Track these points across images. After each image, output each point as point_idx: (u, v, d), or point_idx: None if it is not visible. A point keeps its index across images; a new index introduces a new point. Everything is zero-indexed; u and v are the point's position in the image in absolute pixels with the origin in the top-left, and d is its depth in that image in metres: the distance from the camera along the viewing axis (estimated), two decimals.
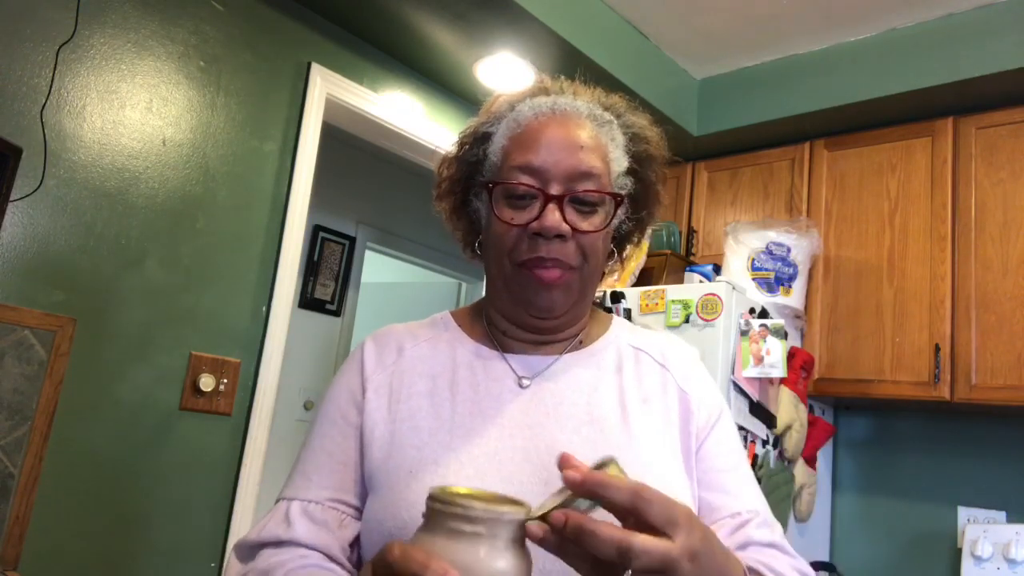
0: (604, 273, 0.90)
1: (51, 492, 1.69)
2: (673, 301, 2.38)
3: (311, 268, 3.62)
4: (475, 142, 0.87)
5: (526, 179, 0.78)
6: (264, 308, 2.12)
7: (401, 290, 4.45)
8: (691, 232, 2.96)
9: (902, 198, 2.51)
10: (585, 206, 0.79)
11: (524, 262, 0.78)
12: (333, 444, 0.83)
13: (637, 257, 2.58)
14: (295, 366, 3.41)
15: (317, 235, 3.64)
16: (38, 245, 1.71)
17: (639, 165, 0.87)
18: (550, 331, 0.85)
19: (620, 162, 0.84)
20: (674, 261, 2.71)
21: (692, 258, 2.90)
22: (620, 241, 0.91)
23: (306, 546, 0.76)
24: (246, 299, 2.08)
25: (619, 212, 0.84)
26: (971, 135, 2.42)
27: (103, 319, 1.80)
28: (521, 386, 0.82)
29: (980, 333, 2.27)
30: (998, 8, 2.31)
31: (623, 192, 0.84)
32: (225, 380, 2.00)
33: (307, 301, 3.60)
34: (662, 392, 0.85)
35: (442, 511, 0.50)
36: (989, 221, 2.33)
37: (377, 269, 4.40)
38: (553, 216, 0.77)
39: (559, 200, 0.77)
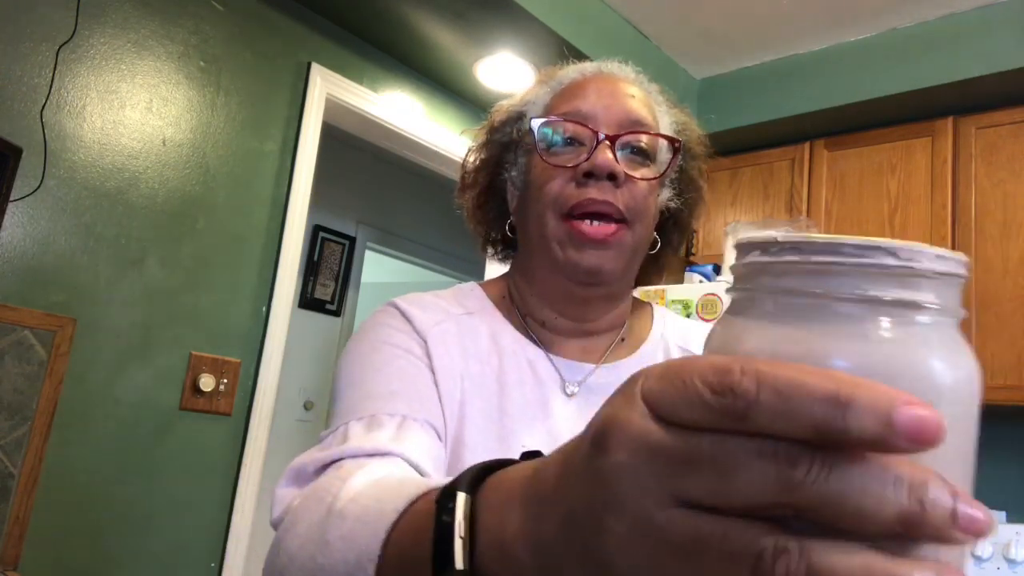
0: (653, 273, 0.83)
1: (51, 492, 1.69)
2: (673, 301, 2.38)
3: (311, 268, 3.62)
4: (508, 121, 0.81)
5: (574, 121, 0.72)
6: (264, 308, 2.12)
7: (401, 290, 4.38)
8: (691, 232, 2.96)
9: (902, 198, 2.51)
10: (637, 155, 0.73)
11: (572, 210, 0.70)
12: (404, 373, 0.67)
13: None
14: (295, 366, 3.41)
15: (317, 235, 3.64)
16: (38, 245, 1.71)
17: (682, 156, 0.80)
18: (591, 304, 0.76)
19: (667, 131, 0.78)
20: (674, 261, 2.71)
21: (692, 258, 2.90)
22: (660, 230, 0.81)
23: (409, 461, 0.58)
24: (246, 299, 2.08)
25: (678, 159, 0.77)
26: (971, 135, 2.42)
27: (103, 319, 1.80)
28: (567, 393, 0.75)
29: (980, 333, 2.27)
30: (998, 8, 2.31)
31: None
32: (225, 380, 2.00)
33: (307, 301, 3.60)
34: None
35: (817, 263, 0.24)
36: (989, 221, 2.33)
37: (377, 269, 4.41)
38: (606, 154, 0.70)
39: (611, 140, 0.70)
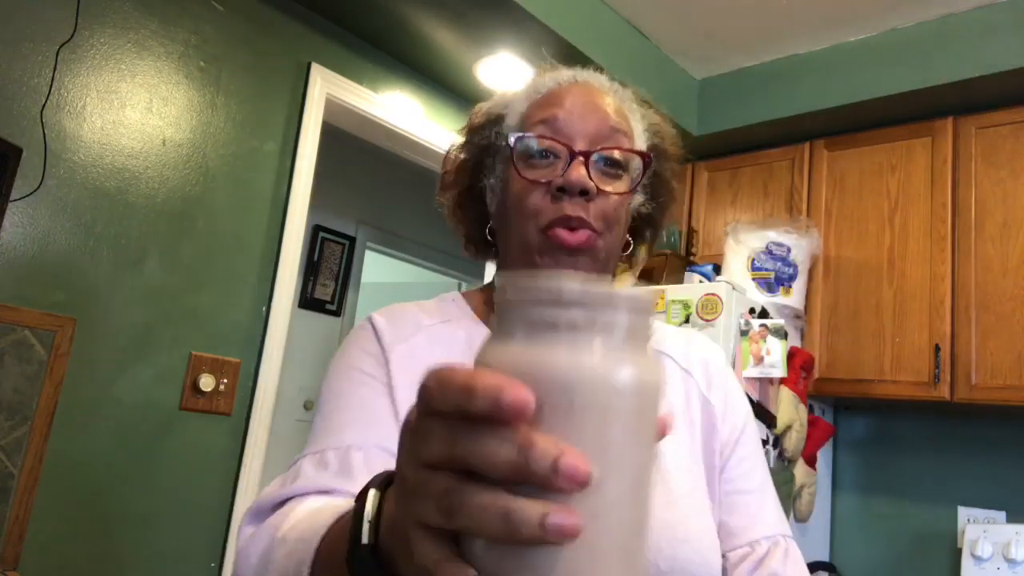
0: (618, 263, 0.85)
1: (51, 492, 1.69)
2: (673, 301, 2.38)
3: (311, 268, 3.62)
4: (487, 124, 0.83)
5: (550, 135, 0.75)
6: (264, 308, 2.12)
7: (401, 290, 4.45)
8: (691, 232, 2.96)
9: (902, 198, 2.51)
10: (611, 168, 0.76)
11: (551, 224, 0.73)
12: (362, 400, 0.73)
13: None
14: (295, 366, 3.41)
15: (317, 235, 3.64)
16: (38, 245, 1.71)
17: (655, 158, 0.83)
18: None
19: (640, 139, 0.81)
20: (674, 261, 2.71)
21: (692, 258, 2.90)
22: (634, 232, 0.85)
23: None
24: (246, 299, 2.08)
25: (648, 173, 0.79)
26: (971, 135, 2.42)
27: (103, 319, 1.80)
28: None
29: (980, 333, 2.27)
30: (998, 8, 2.31)
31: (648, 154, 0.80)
32: (225, 380, 2.00)
33: (307, 301, 3.60)
34: (685, 405, 0.81)
35: (518, 301, 0.32)
36: (989, 221, 2.33)
37: (377, 269, 4.41)
38: (579, 170, 0.73)
39: (585, 155, 0.74)
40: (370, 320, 0.80)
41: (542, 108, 0.77)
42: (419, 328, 0.79)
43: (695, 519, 0.73)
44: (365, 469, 0.65)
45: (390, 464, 0.59)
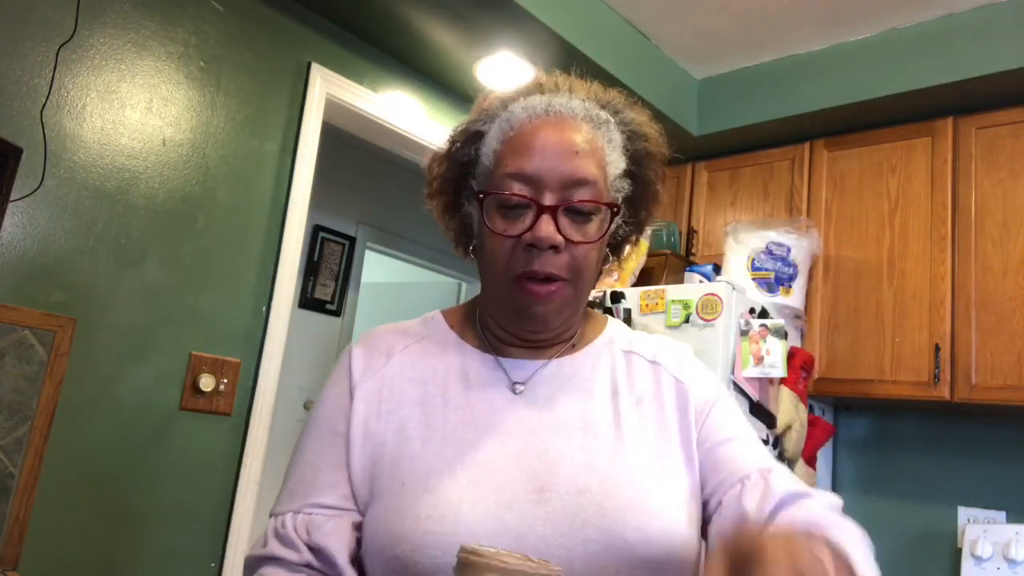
0: (601, 274, 0.89)
1: (51, 492, 1.69)
2: (673, 301, 2.38)
3: (311, 268, 3.62)
4: (467, 140, 0.84)
5: (519, 187, 0.76)
6: (264, 308, 2.12)
7: (401, 290, 4.45)
8: (691, 232, 2.96)
9: (902, 198, 2.51)
10: (580, 215, 0.77)
11: (519, 276, 0.77)
12: (318, 457, 0.80)
13: (637, 257, 2.58)
14: (295, 366, 3.41)
15: (317, 235, 3.64)
16: (38, 245, 1.71)
17: (637, 164, 0.84)
18: (544, 339, 0.85)
19: (617, 164, 0.82)
20: (674, 261, 2.71)
21: (692, 258, 2.90)
22: (618, 244, 0.88)
23: (298, 563, 0.75)
24: (246, 299, 2.08)
25: (615, 221, 0.82)
26: (971, 135, 2.42)
27: (103, 319, 1.80)
28: (514, 392, 0.81)
29: (980, 333, 2.27)
30: (998, 8, 2.31)
31: (620, 195, 0.83)
32: (225, 380, 2.00)
33: (307, 301, 3.60)
34: (656, 389, 0.84)
35: (478, 570, 0.54)
36: (989, 221, 2.33)
37: (377, 269, 4.40)
38: (547, 227, 0.75)
39: (553, 211, 0.75)
40: (350, 351, 0.85)
41: (512, 155, 0.77)
42: (391, 355, 0.84)
43: (659, 492, 0.76)
44: (296, 536, 0.76)
45: (319, 522, 0.76)
